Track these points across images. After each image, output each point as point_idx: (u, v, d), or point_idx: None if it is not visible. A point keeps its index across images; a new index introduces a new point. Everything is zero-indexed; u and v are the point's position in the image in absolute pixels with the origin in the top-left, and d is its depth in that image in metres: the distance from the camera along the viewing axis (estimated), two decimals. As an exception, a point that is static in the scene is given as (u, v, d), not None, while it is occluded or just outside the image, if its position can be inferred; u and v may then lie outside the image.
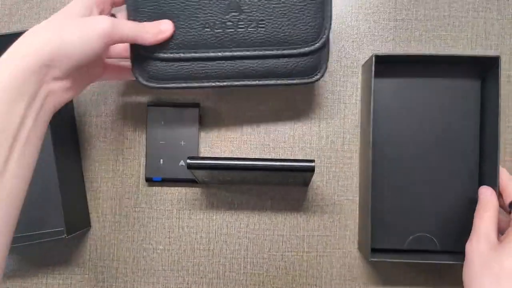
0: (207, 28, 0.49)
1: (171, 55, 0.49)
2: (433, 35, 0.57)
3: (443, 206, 0.54)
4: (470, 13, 0.57)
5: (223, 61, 0.50)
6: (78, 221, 0.55)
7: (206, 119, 0.58)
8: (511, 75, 0.57)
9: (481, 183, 0.53)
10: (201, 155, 0.58)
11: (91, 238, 0.58)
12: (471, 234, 0.46)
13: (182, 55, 0.49)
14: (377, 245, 0.54)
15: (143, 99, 0.58)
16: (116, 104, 0.58)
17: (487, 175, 0.52)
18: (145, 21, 0.47)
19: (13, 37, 0.52)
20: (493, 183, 0.49)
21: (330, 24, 0.49)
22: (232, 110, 0.58)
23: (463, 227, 0.51)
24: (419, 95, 0.55)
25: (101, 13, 0.45)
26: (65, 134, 0.55)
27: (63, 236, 0.51)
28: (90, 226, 0.58)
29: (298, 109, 0.57)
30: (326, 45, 0.50)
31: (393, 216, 0.55)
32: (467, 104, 0.54)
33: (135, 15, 0.48)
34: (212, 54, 0.49)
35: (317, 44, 0.50)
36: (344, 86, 0.57)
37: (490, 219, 0.46)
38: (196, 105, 0.57)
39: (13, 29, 0.59)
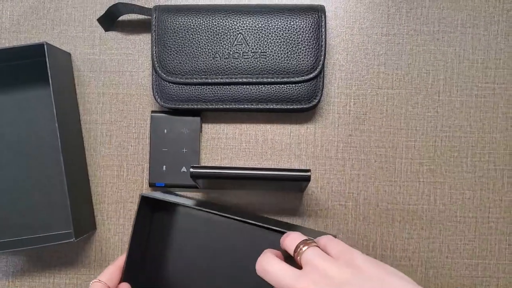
0: (217, 57, 0.56)
1: (186, 80, 0.57)
2: (423, 49, 0.60)
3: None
4: (459, 29, 0.60)
5: (230, 86, 0.57)
6: (84, 224, 0.58)
7: (207, 128, 0.61)
8: (495, 88, 0.60)
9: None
10: (202, 162, 0.60)
11: (96, 240, 0.61)
12: None
13: (195, 80, 0.56)
14: None
15: (147, 107, 0.61)
16: (121, 112, 0.61)
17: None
18: (168, 49, 0.57)
19: (20, 50, 0.55)
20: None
21: (325, 55, 0.56)
22: (232, 120, 0.61)
23: None
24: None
25: None
26: (72, 141, 0.58)
27: (72, 240, 0.54)
28: (96, 228, 0.61)
29: (294, 119, 0.60)
30: (321, 74, 0.57)
31: None
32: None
33: (161, 45, 0.57)
34: (220, 80, 0.56)
35: (313, 74, 0.56)
36: (338, 97, 0.60)
37: None
38: (197, 114, 0.60)
39: (21, 38, 0.61)
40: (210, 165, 0.60)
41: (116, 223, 0.61)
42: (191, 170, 0.50)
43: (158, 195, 0.54)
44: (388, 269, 0.41)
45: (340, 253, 0.42)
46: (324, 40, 0.56)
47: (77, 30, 0.61)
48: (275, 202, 0.60)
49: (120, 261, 0.53)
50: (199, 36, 0.57)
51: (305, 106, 0.57)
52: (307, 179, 0.50)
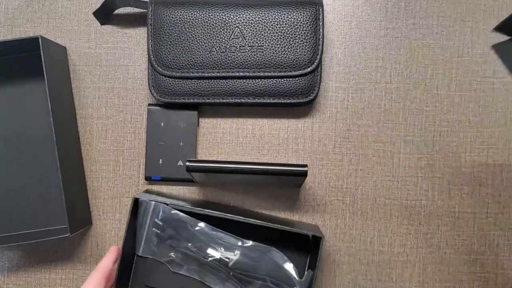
0: (214, 51, 0.56)
1: (182, 74, 0.56)
2: (422, 43, 0.60)
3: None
4: (458, 23, 0.60)
5: (226, 80, 0.56)
6: (80, 219, 0.57)
7: (204, 122, 0.60)
8: (495, 83, 0.60)
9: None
10: (199, 156, 0.60)
11: (92, 235, 0.60)
12: None
13: (191, 74, 0.56)
14: None
15: (143, 102, 0.60)
16: (117, 106, 0.60)
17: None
18: (164, 43, 0.56)
19: (15, 43, 0.55)
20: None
21: (322, 50, 0.56)
22: (229, 114, 0.60)
23: None
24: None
25: None
26: (67, 136, 0.57)
27: (67, 235, 0.53)
28: (91, 223, 0.60)
29: (292, 114, 0.60)
30: (319, 68, 0.56)
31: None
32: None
33: (157, 39, 0.56)
34: (217, 74, 0.56)
35: (311, 68, 0.56)
36: (336, 92, 0.60)
37: None
38: (195, 107, 0.59)
39: (16, 32, 0.61)
40: (206, 159, 0.60)
41: (112, 218, 0.60)
42: (187, 163, 0.50)
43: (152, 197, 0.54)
44: None
45: None
46: (321, 34, 0.56)
47: (73, 23, 0.61)
48: (272, 197, 0.60)
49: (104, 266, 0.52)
50: (195, 30, 0.56)
51: (302, 101, 0.57)
52: (304, 174, 0.49)
